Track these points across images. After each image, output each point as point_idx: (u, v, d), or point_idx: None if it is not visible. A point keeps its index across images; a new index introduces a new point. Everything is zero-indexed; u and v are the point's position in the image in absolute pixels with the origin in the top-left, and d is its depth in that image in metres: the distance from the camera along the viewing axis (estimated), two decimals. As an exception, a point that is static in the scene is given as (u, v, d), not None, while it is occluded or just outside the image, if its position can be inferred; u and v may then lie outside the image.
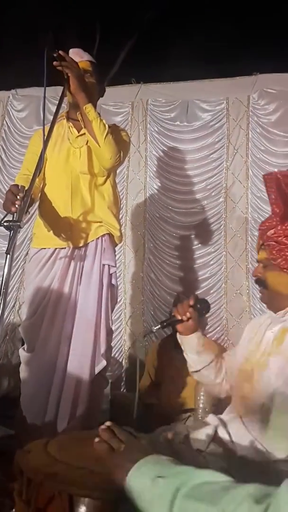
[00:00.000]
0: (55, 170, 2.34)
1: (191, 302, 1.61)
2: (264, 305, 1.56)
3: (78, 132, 2.33)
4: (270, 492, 0.59)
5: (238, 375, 1.53)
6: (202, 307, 1.64)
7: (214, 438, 1.35)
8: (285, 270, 1.42)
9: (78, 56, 2.28)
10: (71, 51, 2.30)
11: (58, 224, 2.30)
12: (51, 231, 2.30)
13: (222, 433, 1.38)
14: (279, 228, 1.42)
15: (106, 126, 2.19)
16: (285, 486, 0.57)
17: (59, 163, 2.33)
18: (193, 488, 0.67)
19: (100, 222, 2.33)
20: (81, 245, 2.31)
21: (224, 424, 1.42)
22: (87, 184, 2.31)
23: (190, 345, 1.64)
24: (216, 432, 1.38)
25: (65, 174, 2.31)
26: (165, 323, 1.66)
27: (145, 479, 0.77)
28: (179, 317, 1.61)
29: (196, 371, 1.67)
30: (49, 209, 2.35)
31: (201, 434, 1.36)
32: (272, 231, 1.44)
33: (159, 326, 1.65)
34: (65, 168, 2.32)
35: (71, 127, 2.35)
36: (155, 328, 1.66)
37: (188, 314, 1.60)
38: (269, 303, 1.53)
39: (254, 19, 6.50)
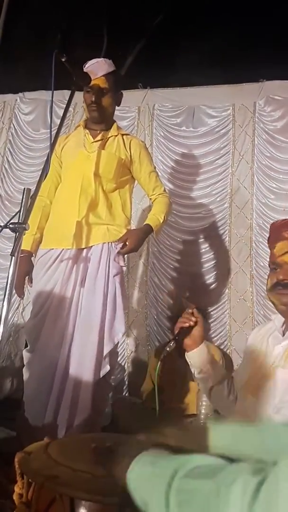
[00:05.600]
0: (68, 173, 2.44)
1: (191, 309, 1.57)
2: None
3: (94, 139, 2.44)
4: (266, 467, 0.60)
5: (243, 388, 1.50)
6: (202, 314, 1.59)
7: None
8: None
9: (92, 74, 2.28)
10: (86, 70, 2.30)
11: (64, 224, 2.34)
12: (59, 231, 2.35)
13: None
14: None
15: (163, 216, 2.47)
16: (284, 461, 0.57)
17: (73, 167, 2.42)
18: (191, 470, 0.68)
19: (106, 224, 2.36)
20: (85, 246, 2.34)
21: None
22: (98, 188, 2.37)
23: (202, 357, 1.58)
24: None
25: (77, 176, 2.38)
26: (176, 337, 1.57)
27: (145, 466, 0.77)
28: (187, 324, 1.55)
29: (211, 387, 1.61)
30: (56, 209, 2.42)
31: None
32: None
33: (173, 343, 1.55)
34: (77, 171, 2.39)
35: (88, 134, 2.46)
36: (168, 348, 1.54)
37: (193, 319, 1.55)
38: None
39: (261, 25, 6.52)
